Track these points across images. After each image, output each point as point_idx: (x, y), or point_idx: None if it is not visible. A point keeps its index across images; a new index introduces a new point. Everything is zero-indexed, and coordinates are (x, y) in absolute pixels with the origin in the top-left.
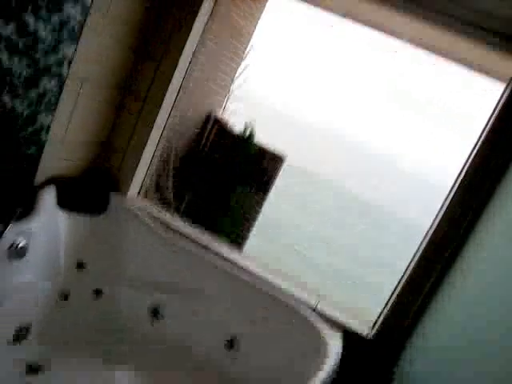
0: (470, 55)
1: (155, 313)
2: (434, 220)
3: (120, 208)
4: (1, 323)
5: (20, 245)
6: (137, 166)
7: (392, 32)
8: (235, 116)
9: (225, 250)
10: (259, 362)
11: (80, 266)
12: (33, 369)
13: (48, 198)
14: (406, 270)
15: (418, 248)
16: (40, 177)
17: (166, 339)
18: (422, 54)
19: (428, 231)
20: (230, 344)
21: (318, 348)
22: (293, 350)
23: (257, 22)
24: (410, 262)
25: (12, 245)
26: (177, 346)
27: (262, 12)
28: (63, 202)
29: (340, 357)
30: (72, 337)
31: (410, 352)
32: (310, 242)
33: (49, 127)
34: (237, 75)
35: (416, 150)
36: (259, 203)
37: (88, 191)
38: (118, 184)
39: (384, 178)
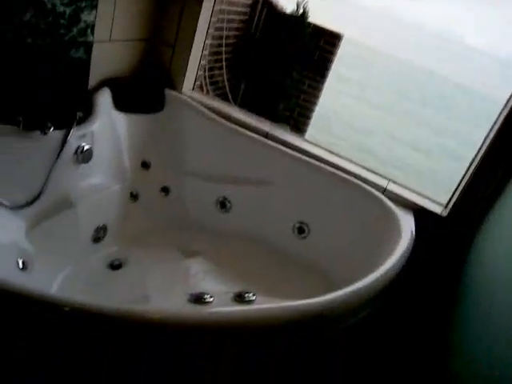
0: None
1: (223, 204)
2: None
3: (177, 103)
4: (80, 225)
5: (85, 148)
6: (188, 59)
7: None
8: None
9: (287, 136)
10: (330, 244)
11: (144, 165)
12: (114, 266)
13: (104, 100)
14: (477, 155)
15: (488, 134)
16: (92, 80)
17: (236, 229)
18: None
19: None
20: (300, 229)
21: (391, 227)
22: (364, 231)
23: None
24: (480, 148)
25: (77, 149)
26: (247, 234)
27: None
28: (119, 104)
29: (414, 235)
30: (146, 234)
31: (484, 232)
32: (370, 132)
33: (93, 26)
34: None
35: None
36: (317, 89)
37: (142, 90)
38: (171, 80)
39: (451, 57)
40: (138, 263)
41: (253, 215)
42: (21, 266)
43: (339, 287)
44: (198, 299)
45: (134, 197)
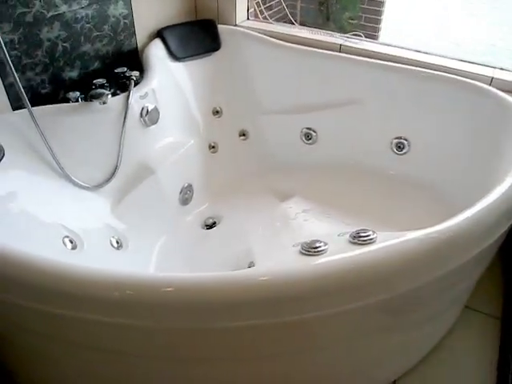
0: None
1: (308, 135)
2: None
3: (234, 37)
4: (165, 190)
5: (149, 108)
6: None
7: None
8: None
9: (364, 44)
10: (435, 156)
11: (216, 112)
12: (208, 224)
13: (157, 53)
14: None
15: None
16: (140, 35)
17: (326, 159)
18: None
19: None
20: (398, 145)
21: (508, 120)
22: (475, 134)
23: None
24: None
25: (142, 111)
26: (338, 162)
27: None
28: (174, 53)
29: None
30: (233, 185)
31: None
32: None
33: None
34: None
35: None
36: None
37: (194, 33)
38: (222, 15)
39: None
40: (233, 217)
41: (343, 140)
42: (115, 245)
43: (454, 205)
44: (311, 249)
45: (212, 148)
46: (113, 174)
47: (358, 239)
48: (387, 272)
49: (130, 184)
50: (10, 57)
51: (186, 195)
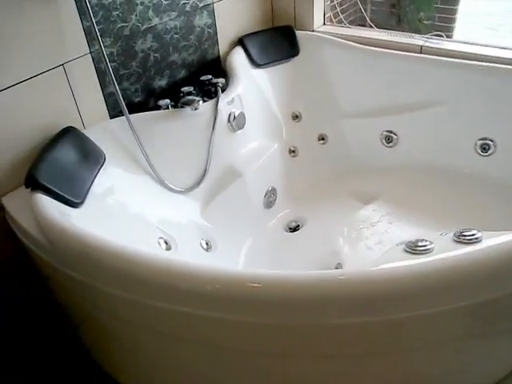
0: None
1: (388, 138)
2: None
3: (311, 42)
4: (251, 194)
5: (236, 114)
6: None
7: None
8: None
9: (446, 44)
10: None
11: (296, 117)
12: (292, 228)
13: (240, 60)
14: None
15: None
16: (222, 44)
17: (407, 162)
18: None
19: None
20: (483, 147)
21: None
22: None
23: None
24: None
25: (229, 116)
26: (421, 165)
27: None
28: (255, 60)
29: None
30: (314, 188)
31: None
32: None
33: None
34: None
35: None
36: None
37: (273, 40)
38: (299, 21)
39: None
40: (316, 220)
41: (425, 142)
42: (205, 246)
43: None
44: (417, 247)
45: (292, 152)
46: (202, 177)
47: (464, 238)
48: (498, 270)
49: (218, 187)
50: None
51: (270, 198)
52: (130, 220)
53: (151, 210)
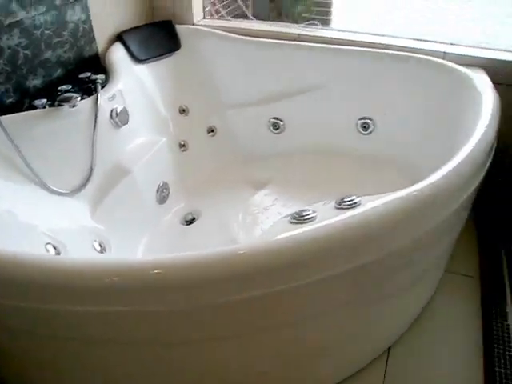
0: None
1: (275, 125)
2: None
3: (192, 36)
4: (142, 190)
5: (119, 109)
6: None
7: None
8: None
9: (321, 31)
10: (400, 132)
11: (183, 111)
12: (188, 221)
13: (120, 56)
14: None
15: None
16: (100, 40)
17: (295, 145)
18: None
19: None
20: (364, 126)
21: (465, 93)
22: (435, 108)
23: None
24: None
25: (112, 112)
26: (308, 147)
27: None
28: (135, 56)
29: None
30: (207, 180)
31: None
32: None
33: None
34: None
35: None
36: None
37: (153, 35)
38: (179, 15)
39: None
40: (211, 210)
41: (310, 126)
42: (98, 248)
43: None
44: (301, 217)
45: (183, 146)
46: (88, 177)
47: (344, 204)
48: (379, 231)
49: (107, 186)
50: None
51: (162, 194)
52: (14, 230)
53: (35, 215)
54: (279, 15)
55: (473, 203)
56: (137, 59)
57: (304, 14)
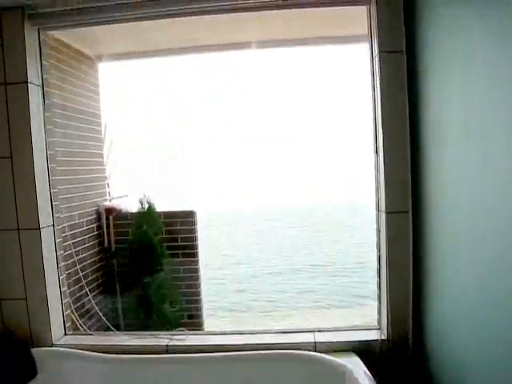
0: None
1: None
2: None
3: (51, 360)
4: None
5: None
6: (47, 305)
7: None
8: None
9: (189, 339)
10: None
11: None
12: None
13: None
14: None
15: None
16: None
17: None
18: None
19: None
20: None
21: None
22: None
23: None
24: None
25: None
26: None
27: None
28: None
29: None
30: None
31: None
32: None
33: None
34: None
35: None
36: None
37: (2, 361)
38: (36, 336)
39: None
40: None
41: None
42: None
43: None
44: None
45: None
46: None
47: None
48: None
49: None
50: None
51: None
52: None
53: None
54: (149, 319)
55: None
56: None
57: (176, 314)
